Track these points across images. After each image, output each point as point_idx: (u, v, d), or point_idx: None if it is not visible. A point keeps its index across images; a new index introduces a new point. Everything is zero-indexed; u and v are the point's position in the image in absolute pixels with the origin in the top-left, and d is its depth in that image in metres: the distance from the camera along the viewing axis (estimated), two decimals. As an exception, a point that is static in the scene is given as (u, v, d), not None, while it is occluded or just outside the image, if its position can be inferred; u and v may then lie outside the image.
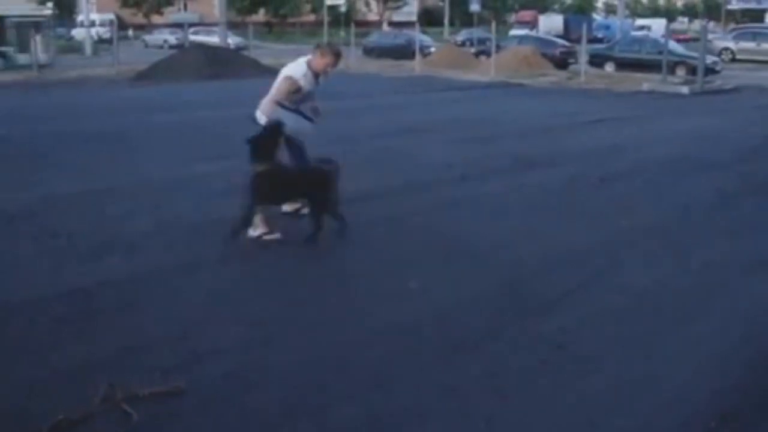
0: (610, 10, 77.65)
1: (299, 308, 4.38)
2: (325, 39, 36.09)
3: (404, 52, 30.89)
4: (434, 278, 4.88)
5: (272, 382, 3.48)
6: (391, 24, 63.18)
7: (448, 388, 3.44)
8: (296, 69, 5.79)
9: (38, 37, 25.20)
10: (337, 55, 5.86)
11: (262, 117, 5.72)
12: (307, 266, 5.16)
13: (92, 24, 42.11)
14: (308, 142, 5.91)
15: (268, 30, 59.99)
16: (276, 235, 5.57)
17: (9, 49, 26.61)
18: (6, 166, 8.58)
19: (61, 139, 10.50)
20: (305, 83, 5.82)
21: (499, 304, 4.47)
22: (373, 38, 37.15)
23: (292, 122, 5.61)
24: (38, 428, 3.02)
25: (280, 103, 5.68)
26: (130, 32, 55.90)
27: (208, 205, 6.62)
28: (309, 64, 5.80)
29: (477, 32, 40.38)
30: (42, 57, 25.21)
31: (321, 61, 5.77)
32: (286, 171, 5.54)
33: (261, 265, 5.14)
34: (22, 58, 25.59)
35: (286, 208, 6.17)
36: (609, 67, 25.60)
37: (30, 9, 29.05)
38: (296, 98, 5.81)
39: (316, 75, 5.86)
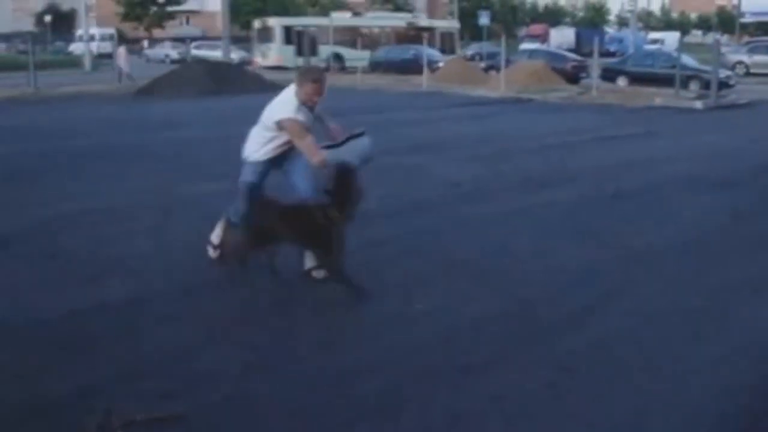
0: (622, 23, 77.65)
1: (301, 331, 4.30)
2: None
3: (412, 66, 30.54)
4: (441, 299, 4.79)
5: (273, 408, 3.40)
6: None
7: (455, 412, 3.35)
8: (287, 108, 5.08)
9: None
10: (315, 81, 5.05)
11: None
12: (310, 288, 5.06)
13: (92, 38, 42.25)
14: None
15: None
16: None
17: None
18: (0, 185, 8.52)
19: (58, 157, 10.44)
20: (305, 119, 5.08)
21: (507, 325, 4.38)
22: (381, 53, 37.00)
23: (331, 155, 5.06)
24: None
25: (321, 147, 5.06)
26: (145, 44, 55.87)
27: (208, 227, 6.48)
28: (297, 96, 5.11)
29: (486, 46, 40.44)
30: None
31: (301, 92, 5.07)
32: None
33: (262, 288, 5.04)
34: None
35: None
36: (621, 82, 25.46)
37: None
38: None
39: (308, 107, 5.12)
